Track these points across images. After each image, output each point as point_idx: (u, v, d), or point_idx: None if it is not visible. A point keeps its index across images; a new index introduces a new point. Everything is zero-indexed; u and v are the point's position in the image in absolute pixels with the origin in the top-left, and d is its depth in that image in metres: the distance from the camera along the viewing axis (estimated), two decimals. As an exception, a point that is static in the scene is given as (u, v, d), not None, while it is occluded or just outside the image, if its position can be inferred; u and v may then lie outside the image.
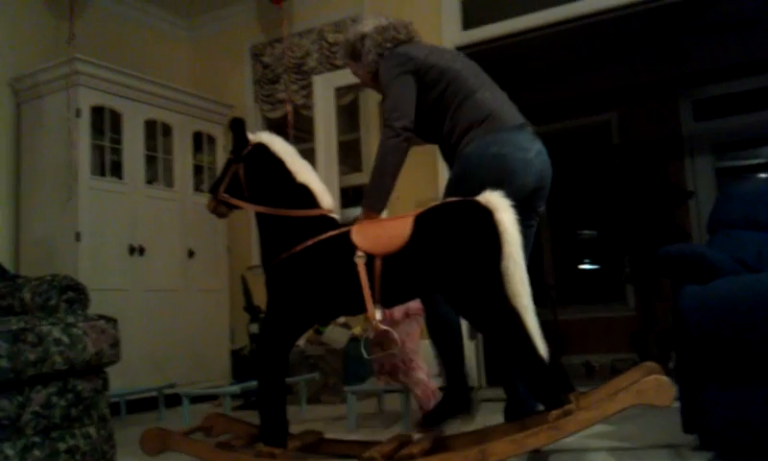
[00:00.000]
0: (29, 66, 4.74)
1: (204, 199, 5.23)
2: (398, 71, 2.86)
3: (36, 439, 2.40)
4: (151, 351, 4.63)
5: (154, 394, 4.30)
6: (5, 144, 4.70)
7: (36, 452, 2.39)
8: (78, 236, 4.37)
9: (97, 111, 4.64)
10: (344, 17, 5.27)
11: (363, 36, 3.04)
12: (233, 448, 2.54)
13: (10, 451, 2.37)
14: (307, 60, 5.44)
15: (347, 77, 5.26)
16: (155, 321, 4.73)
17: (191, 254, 5.07)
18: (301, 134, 5.51)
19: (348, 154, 5.40)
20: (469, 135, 2.78)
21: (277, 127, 5.33)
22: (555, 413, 2.19)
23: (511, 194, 2.42)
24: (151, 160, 4.97)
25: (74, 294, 2.80)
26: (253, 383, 3.75)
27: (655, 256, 2.56)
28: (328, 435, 2.85)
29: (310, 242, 2.61)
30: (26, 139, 4.72)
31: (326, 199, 2.74)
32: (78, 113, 4.49)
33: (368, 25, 3.07)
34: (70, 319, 2.58)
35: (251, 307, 4.44)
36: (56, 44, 4.99)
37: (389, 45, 2.98)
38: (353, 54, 3.10)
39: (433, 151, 3.53)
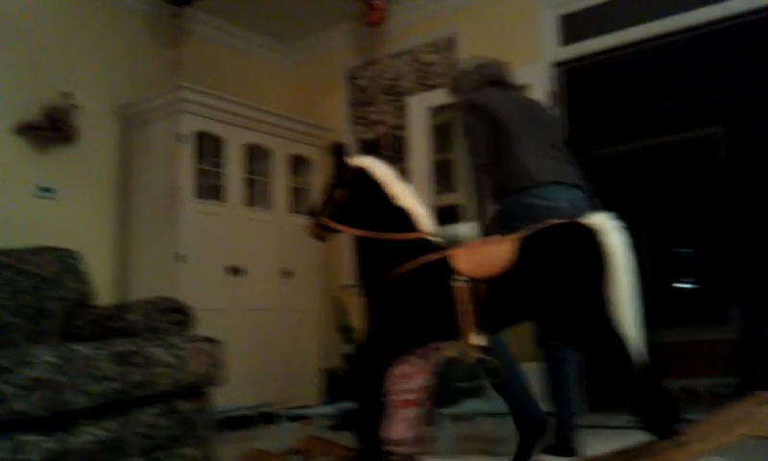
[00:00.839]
0: (136, 94, 4.95)
1: (300, 220, 5.33)
2: (470, 113, 3.18)
3: (140, 460, 2.47)
4: (245, 369, 4.71)
5: (248, 412, 4.36)
6: (113, 169, 4.92)
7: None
8: (180, 257, 4.51)
9: (199, 137, 4.79)
10: (438, 38, 5.26)
11: (463, 73, 3.40)
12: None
13: (117, 470, 2.45)
14: (401, 81, 5.46)
15: (440, 97, 5.25)
16: (250, 340, 4.82)
17: (287, 274, 5.15)
18: (395, 155, 5.51)
19: (442, 173, 5.36)
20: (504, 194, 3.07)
21: (371, 148, 5.37)
22: (665, 444, 2.08)
23: None
24: (250, 183, 5.09)
25: (178, 315, 2.88)
26: (348, 404, 3.75)
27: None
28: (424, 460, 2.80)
29: (408, 266, 2.59)
30: (133, 164, 4.91)
31: (425, 222, 2.72)
32: (181, 139, 4.64)
33: (469, 62, 3.45)
34: (175, 340, 2.65)
35: (344, 327, 4.46)
36: (160, 72, 5.19)
37: (482, 82, 3.28)
38: (454, 88, 3.45)
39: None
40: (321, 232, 2.93)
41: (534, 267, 2.36)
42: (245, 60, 5.89)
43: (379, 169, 2.81)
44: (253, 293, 4.93)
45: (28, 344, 2.78)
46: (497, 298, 2.42)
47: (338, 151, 2.85)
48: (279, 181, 5.27)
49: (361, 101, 5.66)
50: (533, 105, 3.35)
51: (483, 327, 2.48)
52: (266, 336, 4.93)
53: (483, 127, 3.10)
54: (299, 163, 5.46)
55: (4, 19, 4.46)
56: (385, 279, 2.61)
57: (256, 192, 5.16)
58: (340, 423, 4.28)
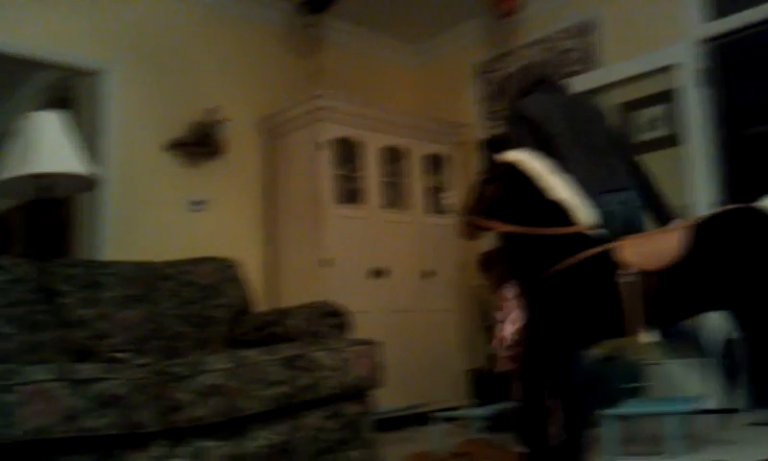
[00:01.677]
0: (276, 105, 5.09)
1: (438, 220, 5.31)
2: (516, 124, 3.22)
3: (311, 461, 2.51)
4: (392, 370, 4.70)
5: (402, 413, 4.36)
6: (259, 179, 5.08)
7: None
8: (325, 262, 4.59)
9: (338, 143, 4.86)
10: (575, 23, 5.09)
11: (509, 76, 3.70)
12: (500, 476, 2.48)
13: (288, 473, 2.49)
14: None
15: (581, 84, 5.09)
16: (394, 341, 4.80)
17: (426, 274, 5.13)
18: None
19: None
20: None
21: (488, 143, 5.25)
22: None
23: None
24: (387, 185, 5.11)
25: (336, 319, 2.92)
26: (503, 405, 3.68)
27: None
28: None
29: (569, 261, 2.50)
30: (277, 173, 5.05)
31: (583, 215, 2.61)
32: (321, 146, 4.73)
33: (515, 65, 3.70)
34: (337, 344, 2.68)
35: (489, 327, 4.38)
36: (298, 82, 5.31)
37: (527, 85, 3.36)
38: (502, 91, 3.70)
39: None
40: (472, 231, 2.89)
41: (713, 254, 2.21)
42: (375, 64, 5.94)
43: (532, 162, 2.73)
44: (396, 294, 4.95)
45: (198, 352, 2.89)
46: (670, 290, 2.28)
47: (487, 146, 2.79)
48: (416, 181, 5.26)
49: (494, 95, 5.57)
50: (577, 105, 3.32)
51: (653, 322, 2.35)
52: (409, 337, 4.93)
53: (530, 140, 3.07)
54: (434, 163, 5.43)
55: (151, 42, 4.70)
56: (543, 276, 2.53)
57: (394, 194, 5.18)
58: (495, 424, 4.20)
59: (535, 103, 3.22)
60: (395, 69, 6.08)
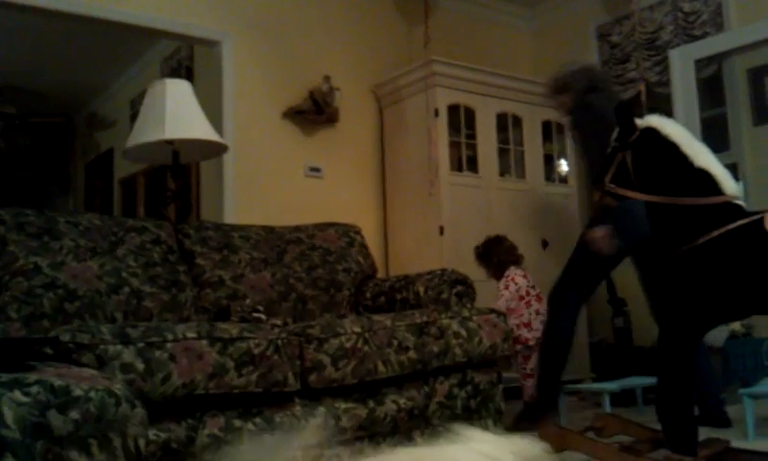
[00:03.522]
0: (388, 72, 5.06)
1: (554, 188, 5.17)
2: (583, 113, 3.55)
3: (441, 428, 2.50)
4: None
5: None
6: (371, 147, 5.08)
7: (442, 441, 2.48)
8: (441, 230, 4.56)
9: (452, 109, 4.79)
10: (702, -18, 4.81)
11: (572, 74, 3.74)
12: (639, 454, 2.39)
13: (419, 439, 2.49)
14: (661, 33, 5.07)
15: (708, 47, 4.82)
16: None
17: (544, 244, 5.01)
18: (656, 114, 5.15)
19: (712, 131, 4.92)
20: None
21: (618, 109, 5.04)
22: None
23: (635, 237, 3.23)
24: (503, 153, 5.01)
25: (462, 288, 2.88)
26: (631, 381, 3.58)
27: None
28: (734, 444, 2.58)
29: (716, 233, 2.36)
30: (390, 141, 5.04)
31: (730, 184, 2.46)
32: (436, 113, 4.67)
33: (572, 66, 3.84)
34: (466, 313, 2.65)
35: (614, 300, 4.25)
36: (410, 48, 5.26)
37: (589, 85, 3.62)
38: (560, 88, 3.75)
39: None
40: (607, 199, 2.77)
41: None
42: (489, 28, 5.80)
43: (672, 128, 2.60)
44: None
45: (326, 315, 2.93)
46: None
47: (623, 111, 2.67)
48: (532, 149, 5.13)
49: (616, 58, 5.35)
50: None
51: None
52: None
53: (595, 128, 3.36)
54: (551, 130, 5.28)
55: (266, 11, 4.75)
56: (687, 248, 2.41)
57: (510, 162, 5.07)
58: (621, 399, 4.07)
59: (601, 99, 3.54)
60: (509, 33, 5.92)
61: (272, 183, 4.58)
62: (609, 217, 3.24)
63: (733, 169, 4.45)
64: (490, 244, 4.07)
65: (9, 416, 1.20)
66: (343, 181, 4.92)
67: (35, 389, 1.25)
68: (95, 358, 1.86)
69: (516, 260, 3.99)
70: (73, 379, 1.32)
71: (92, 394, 1.30)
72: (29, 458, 1.21)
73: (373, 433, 2.37)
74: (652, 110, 5.12)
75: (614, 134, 2.74)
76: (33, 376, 1.29)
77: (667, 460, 2.28)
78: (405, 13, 5.34)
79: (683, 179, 2.49)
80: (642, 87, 5.12)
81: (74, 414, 1.26)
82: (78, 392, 1.28)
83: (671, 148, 2.53)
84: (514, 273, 3.90)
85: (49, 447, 1.23)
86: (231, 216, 4.33)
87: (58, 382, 1.28)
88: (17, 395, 1.22)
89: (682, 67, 4.85)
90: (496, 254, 4.00)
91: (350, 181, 4.96)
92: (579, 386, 3.90)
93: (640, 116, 2.73)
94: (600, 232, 3.27)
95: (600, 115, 3.39)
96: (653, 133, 2.60)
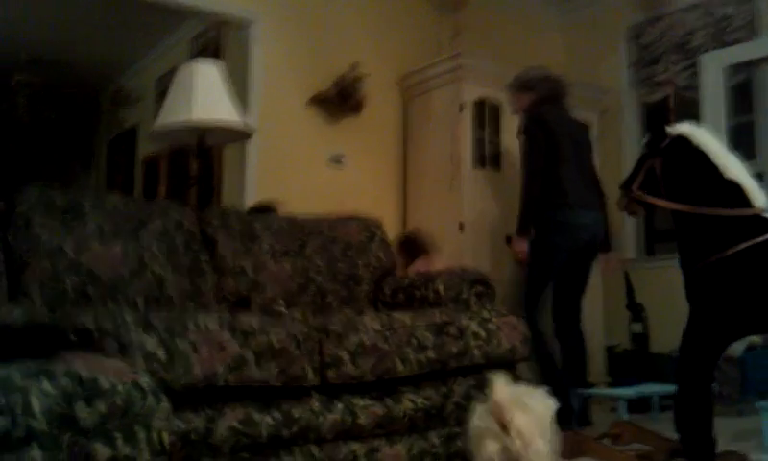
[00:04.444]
0: (415, 63, 5.02)
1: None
2: (536, 125, 3.84)
3: (457, 429, 2.49)
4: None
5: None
6: (394, 139, 5.06)
7: (458, 443, 2.48)
8: (461, 227, 4.53)
9: (478, 104, 4.75)
10: (738, -13, 4.74)
11: (540, 79, 3.99)
12: (655, 464, 2.39)
13: (435, 440, 2.49)
14: (693, 37, 5.00)
15: (740, 54, 4.75)
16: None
17: (564, 244, 4.97)
18: (683, 120, 5.09)
19: (740, 139, 4.85)
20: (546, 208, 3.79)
21: (656, 111, 5.00)
22: None
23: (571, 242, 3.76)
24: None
25: (482, 288, 2.87)
26: (648, 388, 3.56)
27: None
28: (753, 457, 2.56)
29: (743, 245, 2.34)
30: (414, 132, 5.01)
31: (760, 197, 2.44)
32: (461, 107, 4.64)
33: (537, 71, 4.09)
34: (486, 314, 2.64)
35: (632, 305, 4.22)
36: (438, 40, 5.22)
37: (550, 95, 3.94)
38: (522, 87, 4.04)
39: None
40: (634, 206, 2.76)
41: None
42: (519, 23, 5.74)
43: (703, 137, 2.58)
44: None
45: (345, 310, 2.92)
46: None
47: (655, 117, 2.64)
48: (557, 147, 5.08)
49: (645, 60, 5.28)
50: (578, 130, 4.02)
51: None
52: (547, 310, 4.80)
53: (544, 140, 3.75)
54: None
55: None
56: (715, 259, 2.38)
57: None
58: (637, 406, 4.04)
59: (554, 114, 3.87)
60: (538, 29, 5.86)
61: (293, 170, 4.58)
62: (528, 229, 3.78)
63: (760, 178, 4.38)
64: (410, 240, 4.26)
65: (36, 406, 1.21)
66: (364, 172, 4.90)
67: (63, 380, 1.25)
68: (118, 345, 1.86)
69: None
70: (100, 371, 1.33)
71: (119, 387, 1.30)
72: (55, 449, 1.22)
73: (390, 431, 2.37)
74: (681, 117, 5.09)
75: (645, 140, 2.72)
76: (60, 367, 1.30)
77: (684, 472, 2.27)
78: (436, 3, 5.30)
79: (712, 189, 2.47)
80: (671, 91, 5.06)
81: (101, 406, 1.27)
82: (105, 384, 1.29)
83: (702, 157, 2.51)
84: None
85: (75, 438, 1.24)
86: (252, 201, 4.33)
87: (85, 374, 1.29)
88: (45, 385, 1.23)
89: (712, 73, 4.80)
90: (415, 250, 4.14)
91: (372, 171, 4.94)
92: (595, 391, 3.88)
93: (667, 121, 2.72)
94: (522, 246, 3.78)
95: (551, 131, 3.77)
96: (684, 141, 2.57)
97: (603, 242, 3.92)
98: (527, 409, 1.89)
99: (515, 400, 1.91)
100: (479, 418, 1.94)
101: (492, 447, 1.86)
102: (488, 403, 1.92)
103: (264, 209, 3.85)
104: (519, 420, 1.85)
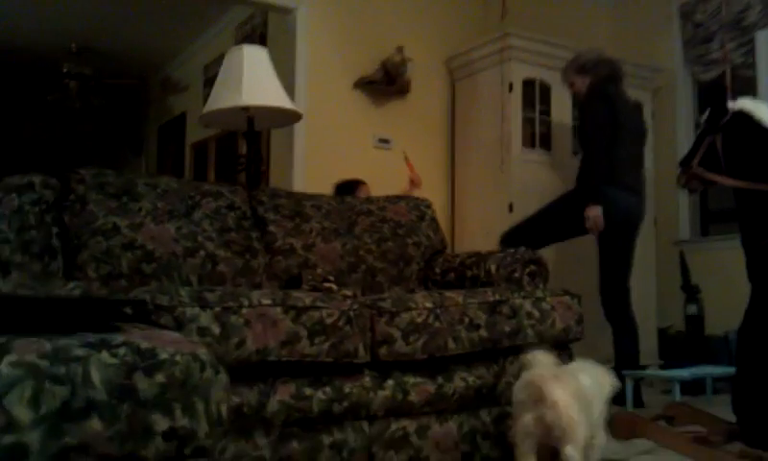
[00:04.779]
0: (462, 45, 4.97)
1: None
2: (604, 104, 3.85)
3: (509, 408, 2.45)
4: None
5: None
6: (442, 120, 5.03)
7: (509, 422, 2.44)
8: (510, 207, 4.48)
9: (527, 84, 4.69)
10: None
11: (598, 60, 3.98)
12: (713, 445, 2.32)
13: (486, 418, 2.47)
14: (748, 13, 4.83)
15: (762, 40, 4.60)
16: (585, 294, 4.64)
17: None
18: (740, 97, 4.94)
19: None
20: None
21: (711, 89, 4.85)
22: None
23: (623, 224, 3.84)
24: (577, 130, 4.88)
25: (536, 267, 2.82)
26: (702, 370, 3.48)
27: None
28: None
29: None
30: (460, 115, 4.97)
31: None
32: (510, 87, 4.58)
33: (595, 52, 4.07)
34: (539, 293, 2.60)
35: (688, 286, 4.12)
36: (485, 21, 5.16)
37: (610, 75, 3.94)
38: (580, 69, 4.00)
39: None
40: (694, 183, 2.69)
41: None
42: (566, 2, 5.64)
43: (765, 112, 2.49)
44: (584, 245, 4.74)
45: (395, 288, 2.92)
46: None
47: (715, 93, 2.56)
48: (607, 127, 4.98)
49: (699, 38, 5.13)
50: (637, 112, 4.08)
51: None
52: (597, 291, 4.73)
53: (608, 118, 3.76)
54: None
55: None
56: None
57: (584, 140, 4.93)
58: (691, 388, 3.96)
59: (618, 92, 3.89)
60: (587, 8, 5.73)
61: (341, 153, 4.58)
62: (599, 197, 3.72)
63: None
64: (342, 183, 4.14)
65: (96, 377, 1.21)
66: (411, 154, 4.87)
67: (122, 351, 1.26)
68: (173, 320, 1.88)
69: None
70: (159, 342, 1.33)
71: (178, 358, 1.30)
72: (114, 419, 1.22)
73: (441, 409, 2.36)
74: (737, 94, 4.94)
75: (704, 116, 2.64)
76: (120, 338, 1.31)
77: (742, 454, 2.20)
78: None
79: (773, 165, 2.38)
80: (726, 69, 4.91)
81: (160, 377, 1.27)
82: (164, 355, 1.29)
83: (763, 133, 2.43)
84: None
85: (134, 409, 1.25)
86: (300, 184, 4.35)
87: (144, 345, 1.29)
88: (105, 356, 1.24)
89: (769, 49, 4.64)
90: None
91: (419, 153, 4.91)
92: (649, 372, 3.80)
93: (726, 99, 2.64)
94: (597, 211, 3.70)
95: (614, 107, 3.76)
96: (745, 117, 2.50)
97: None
98: (565, 383, 1.97)
99: (552, 374, 2.01)
100: (519, 390, 2.05)
101: (527, 418, 1.96)
102: (526, 377, 2.05)
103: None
104: (556, 392, 1.93)
